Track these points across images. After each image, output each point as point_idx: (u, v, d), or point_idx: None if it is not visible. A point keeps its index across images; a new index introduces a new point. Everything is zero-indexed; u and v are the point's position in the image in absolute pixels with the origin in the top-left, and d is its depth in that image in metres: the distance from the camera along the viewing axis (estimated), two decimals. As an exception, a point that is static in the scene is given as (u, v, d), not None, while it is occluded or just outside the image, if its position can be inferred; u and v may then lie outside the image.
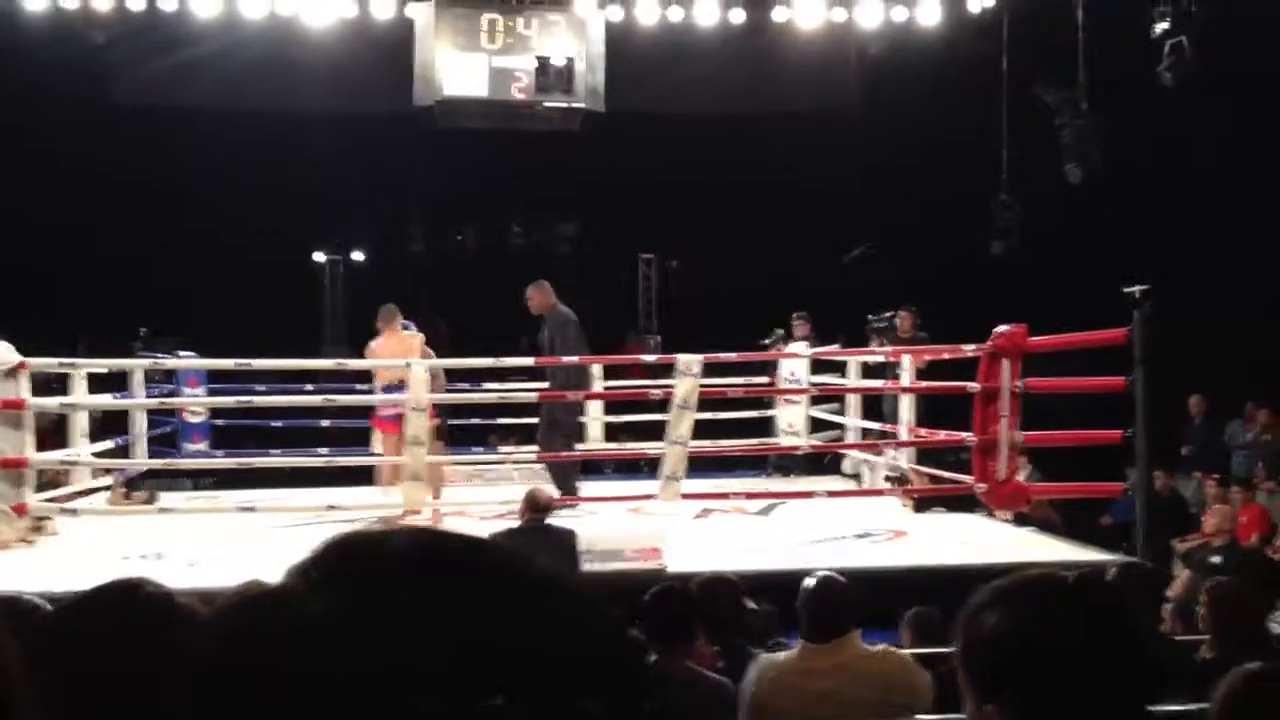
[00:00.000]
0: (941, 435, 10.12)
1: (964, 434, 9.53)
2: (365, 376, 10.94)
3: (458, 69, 12.92)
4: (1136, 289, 8.16)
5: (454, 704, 0.64)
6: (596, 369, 11.70)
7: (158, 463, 11.28)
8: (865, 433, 11.48)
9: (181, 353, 12.67)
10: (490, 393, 11.54)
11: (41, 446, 9.31)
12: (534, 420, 10.88)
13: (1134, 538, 8.52)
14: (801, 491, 10.69)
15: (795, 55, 14.77)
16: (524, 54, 12.93)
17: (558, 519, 7.55)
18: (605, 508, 9.89)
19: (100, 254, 16.27)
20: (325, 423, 12.06)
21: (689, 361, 9.32)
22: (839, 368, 12.24)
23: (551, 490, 8.28)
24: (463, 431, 12.39)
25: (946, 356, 10.39)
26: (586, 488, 10.57)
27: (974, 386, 9.35)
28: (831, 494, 10.59)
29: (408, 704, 0.64)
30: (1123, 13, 12.48)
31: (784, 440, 12.27)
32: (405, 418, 9.26)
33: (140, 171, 16.18)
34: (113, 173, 16.21)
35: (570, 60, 12.91)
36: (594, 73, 13.05)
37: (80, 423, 10.28)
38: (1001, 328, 9.24)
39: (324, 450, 11.14)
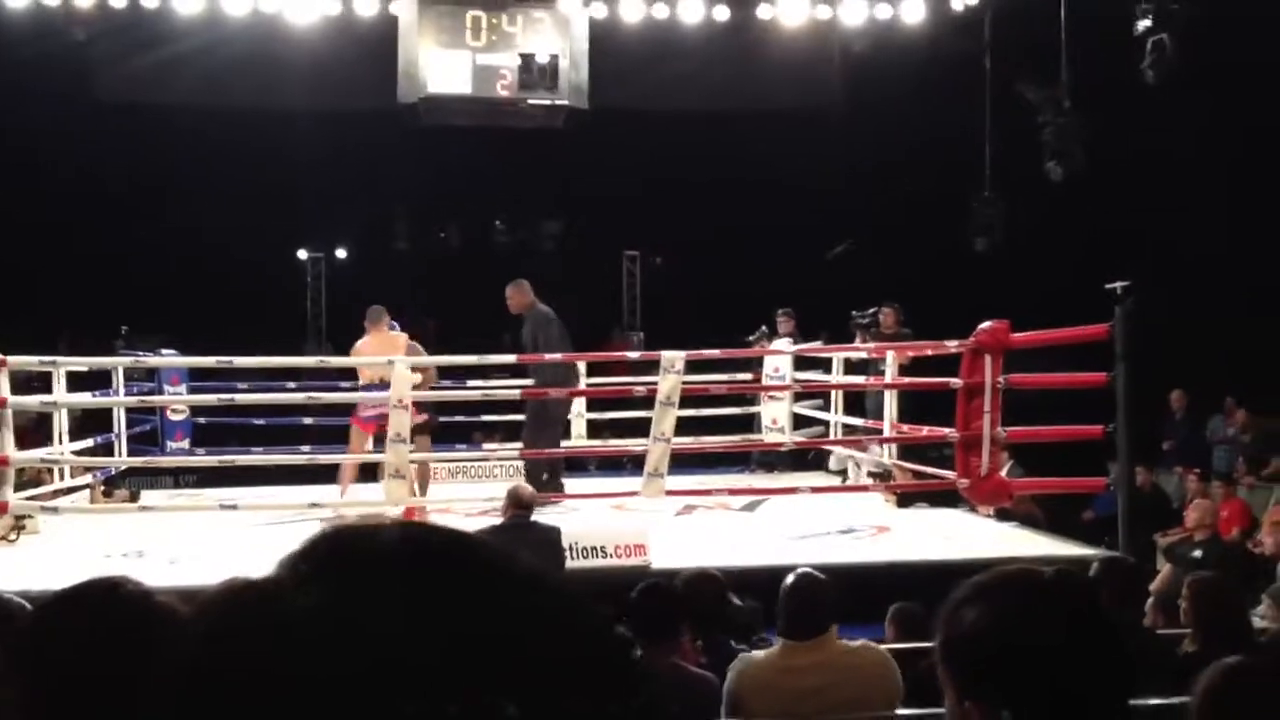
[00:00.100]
0: (924, 431, 10.14)
1: (947, 430, 9.56)
2: (348, 374, 10.92)
3: (442, 66, 12.90)
4: (1118, 285, 8.19)
5: (442, 699, 0.64)
6: (581, 366, 11.71)
7: (139, 461, 11.24)
8: (849, 429, 11.50)
9: (163, 350, 12.63)
10: (474, 390, 11.53)
11: (22, 445, 9.27)
12: (518, 417, 10.87)
13: (1116, 532, 8.55)
14: (785, 488, 10.70)
15: (779, 53, 14.79)
16: (508, 51, 12.93)
17: (541, 516, 7.55)
18: (589, 504, 9.89)
19: (82, 251, 16.19)
20: (308, 420, 12.04)
21: (672, 358, 9.32)
22: (823, 364, 12.26)
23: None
24: (447, 429, 12.38)
25: (930, 352, 10.41)
26: (570, 484, 10.58)
27: (957, 382, 9.37)
28: (815, 490, 10.60)
29: (395, 699, 0.63)
30: (1105, 11, 12.51)
31: (768, 436, 12.28)
32: (388, 416, 9.24)
33: (122, 169, 16.13)
34: (94, 170, 16.15)
35: (554, 57, 12.91)
36: (578, 70, 13.05)
37: (61, 421, 10.24)
38: (984, 324, 9.27)
39: (306, 448, 11.12)
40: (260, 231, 16.98)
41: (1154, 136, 13.77)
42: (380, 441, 9.36)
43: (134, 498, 10.85)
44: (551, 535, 7.06)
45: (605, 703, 0.69)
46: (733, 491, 10.54)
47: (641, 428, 9.93)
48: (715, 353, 10.92)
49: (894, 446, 10.56)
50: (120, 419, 11.35)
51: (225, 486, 11.02)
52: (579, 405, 12.13)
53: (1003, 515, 9.70)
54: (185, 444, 12.21)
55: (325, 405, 11.08)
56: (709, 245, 17.70)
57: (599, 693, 0.70)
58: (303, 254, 19.62)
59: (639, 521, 8.66)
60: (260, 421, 12.00)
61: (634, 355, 12.48)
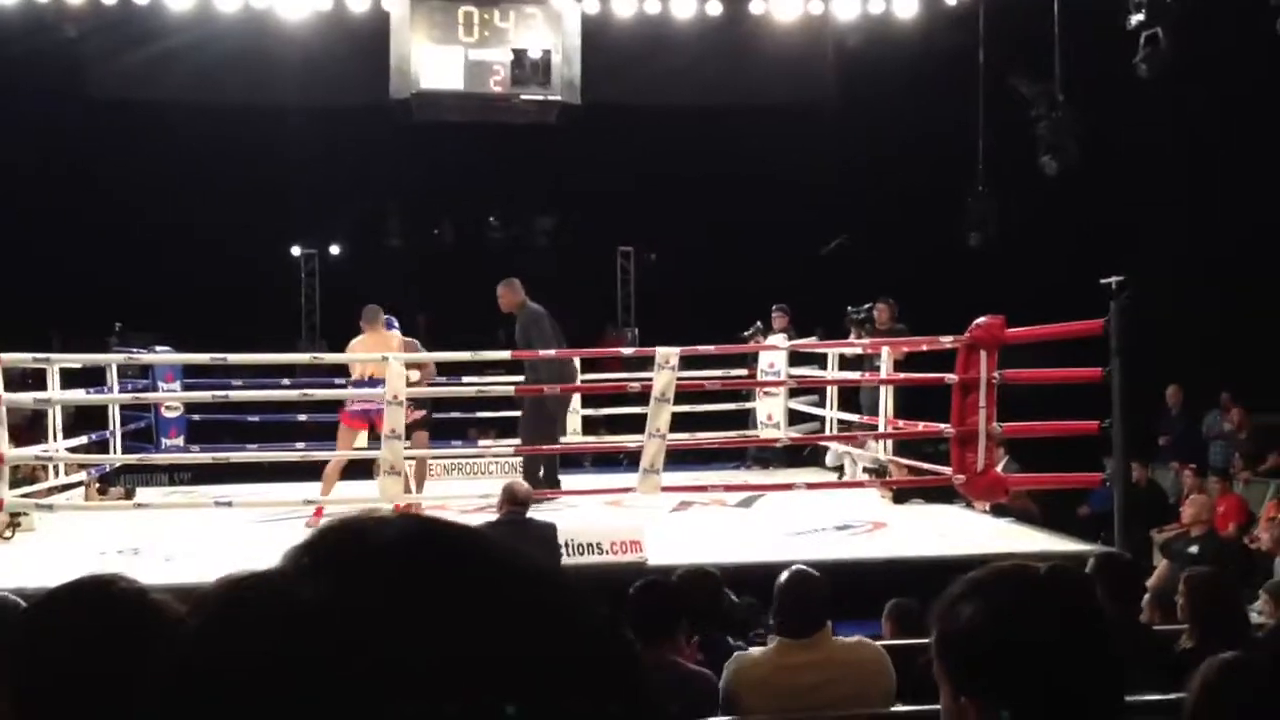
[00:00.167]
0: (920, 427, 10.14)
1: (942, 425, 9.56)
2: (342, 371, 10.90)
3: (434, 62, 12.88)
4: (1113, 280, 8.20)
5: (441, 699, 0.63)
6: (576, 363, 11.70)
7: (133, 458, 11.22)
8: (844, 424, 11.50)
9: (157, 347, 12.60)
10: (469, 386, 11.52)
11: (16, 442, 9.26)
12: (514, 413, 10.87)
13: (1112, 528, 8.55)
14: (781, 484, 10.70)
15: (772, 47, 14.79)
16: (500, 46, 12.91)
17: (537, 512, 7.55)
18: (584, 501, 9.89)
19: (74, 248, 16.15)
20: (302, 417, 12.02)
21: (667, 354, 9.31)
22: (818, 360, 12.26)
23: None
24: (442, 425, 12.37)
25: (925, 348, 10.41)
26: (565, 481, 10.57)
27: (952, 378, 9.37)
28: (811, 486, 10.61)
29: (395, 698, 0.63)
30: (1098, 5, 12.52)
31: (763, 432, 12.29)
32: (377, 411, 9.23)
33: (114, 165, 16.07)
34: (86, 166, 16.10)
35: (547, 53, 12.89)
36: (570, 65, 13.03)
37: (55, 418, 10.22)
38: (979, 319, 9.27)
39: (301, 445, 11.11)
40: (253, 228, 16.92)
41: (1148, 131, 13.80)
42: (374, 438, 9.34)
43: (129, 495, 10.83)
44: (547, 532, 7.06)
45: (606, 703, 0.69)
46: (728, 488, 10.54)
47: (637, 424, 9.91)
48: (710, 349, 10.91)
49: (890, 442, 10.57)
50: (115, 416, 11.32)
51: (220, 483, 11.00)
52: (575, 402, 12.13)
53: (998, 511, 9.70)
54: (180, 441, 12.19)
55: (319, 402, 11.07)
56: (703, 241, 17.69)
57: (600, 693, 0.69)
58: (296, 250, 19.56)
59: (635, 518, 8.65)
60: (255, 418, 11.98)
61: (628, 351, 12.46)
